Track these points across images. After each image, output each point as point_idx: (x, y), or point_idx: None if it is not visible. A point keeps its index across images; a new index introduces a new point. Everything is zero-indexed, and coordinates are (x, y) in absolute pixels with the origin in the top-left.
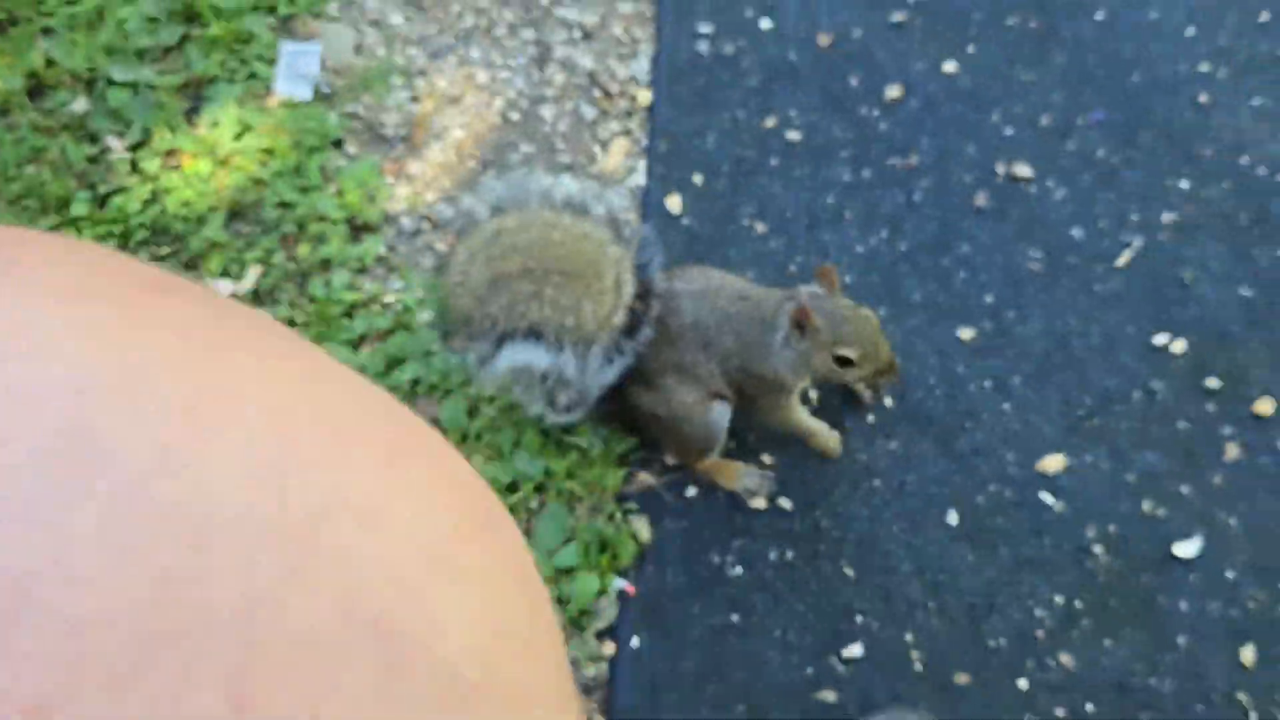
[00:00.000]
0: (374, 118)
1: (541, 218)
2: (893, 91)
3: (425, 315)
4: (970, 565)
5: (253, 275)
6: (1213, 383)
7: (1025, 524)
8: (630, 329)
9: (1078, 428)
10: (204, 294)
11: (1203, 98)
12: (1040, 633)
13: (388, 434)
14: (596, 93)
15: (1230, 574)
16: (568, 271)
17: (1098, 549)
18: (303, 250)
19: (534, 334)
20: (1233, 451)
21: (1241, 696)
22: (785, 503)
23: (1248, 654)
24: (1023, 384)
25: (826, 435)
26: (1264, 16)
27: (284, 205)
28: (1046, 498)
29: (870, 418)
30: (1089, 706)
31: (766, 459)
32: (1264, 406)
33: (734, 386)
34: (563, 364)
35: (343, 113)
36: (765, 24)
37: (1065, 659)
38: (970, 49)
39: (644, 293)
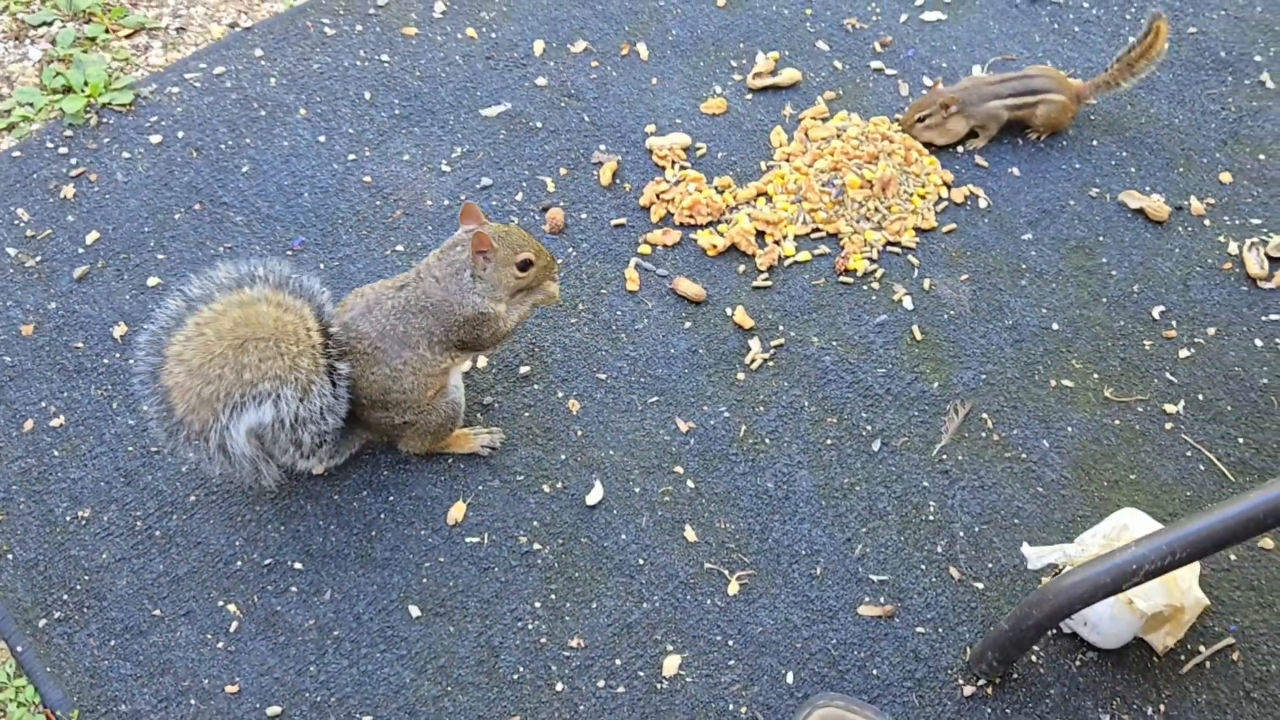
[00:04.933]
0: None
1: (202, 316)
2: (118, 330)
3: None
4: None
5: None
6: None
7: None
8: (333, 353)
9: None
10: None
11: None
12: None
13: None
14: None
15: (639, 488)
16: (260, 336)
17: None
18: None
19: (252, 397)
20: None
21: (709, 565)
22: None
23: (690, 534)
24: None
25: (545, 297)
26: None
27: None
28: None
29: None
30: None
31: (480, 418)
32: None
33: (454, 349)
34: (293, 407)
35: None
36: None
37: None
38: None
39: (324, 325)
